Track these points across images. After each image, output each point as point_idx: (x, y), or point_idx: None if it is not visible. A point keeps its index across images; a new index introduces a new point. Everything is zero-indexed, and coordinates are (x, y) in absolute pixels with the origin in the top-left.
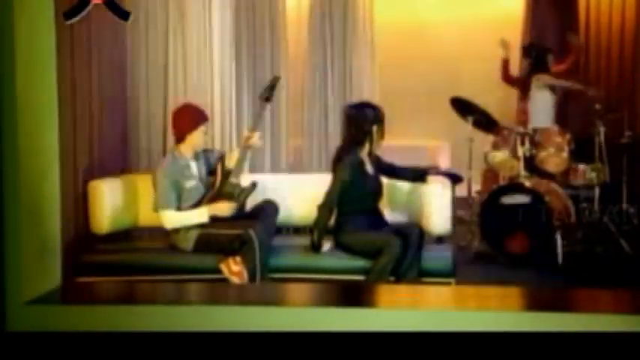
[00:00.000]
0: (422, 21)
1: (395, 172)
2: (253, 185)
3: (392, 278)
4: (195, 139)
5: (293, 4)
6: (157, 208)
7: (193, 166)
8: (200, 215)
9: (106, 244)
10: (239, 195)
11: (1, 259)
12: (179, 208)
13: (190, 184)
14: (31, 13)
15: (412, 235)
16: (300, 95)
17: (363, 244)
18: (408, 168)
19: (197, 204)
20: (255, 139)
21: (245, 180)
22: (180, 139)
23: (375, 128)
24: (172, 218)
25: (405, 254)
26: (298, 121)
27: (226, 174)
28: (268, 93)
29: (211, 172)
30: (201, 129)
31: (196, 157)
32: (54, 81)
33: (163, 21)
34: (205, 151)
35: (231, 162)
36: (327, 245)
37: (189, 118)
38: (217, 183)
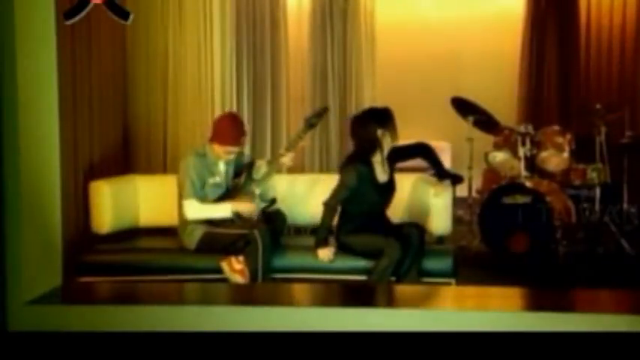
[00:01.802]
0: (422, 20)
1: (406, 153)
2: (272, 201)
3: (393, 278)
4: (219, 151)
5: (294, 3)
6: (182, 197)
7: (221, 165)
8: (223, 209)
9: (106, 244)
10: (257, 206)
11: (2, 258)
12: (200, 202)
13: (214, 180)
14: (32, 13)
15: (412, 237)
16: (301, 95)
17: (364, 245)
18: (408, 149)
19: (216, 202)
20: (288, 159)
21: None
22: (210, 140)
23: (380, 132)
24: (196, 208)
25: (405, 256)
26: (299, 120)
27: (250, 182)
28: (315, 120)
29: (237, 174)
30: (226, 149)
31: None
32: (55, 81)
33: (163, 21)
34: (239, 155)
35: (257, 172)
36: (329, 253)
37: (222, 134)
38: (239, 188)
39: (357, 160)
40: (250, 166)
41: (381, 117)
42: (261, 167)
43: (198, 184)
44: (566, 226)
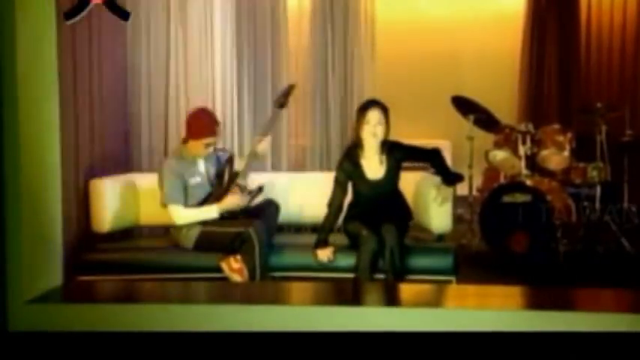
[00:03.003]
0: (423, 19)
1: (415, 155)
2: (260, 189)
3: (381, 276)
4: (197, 147)
5: (294, 1)
6: (165, 204)
7: (201, 164)
8: (210, 211)
9: (107, 242)
10: (247, 200)
11: (3, 257)
12: (184, 205)
13: (195, 181)
14: (32, 13)
15: (386, 237)
16: (302, 93)
17: (350, 231)
18: (423, 152)
19: (202, 202)
20: (265, 144)
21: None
22: (185, 140)
23: (357, 127)
24: (183, 214)
25: (381, 252)
26: (299, 119)
27: (234, 176)
28: (283, 100)
29: (220, 172)
30: (204, 141)
31: (206, 155)
32: (55, 80)
33: (164, 19)
34: (217, 150)
35: (239, 164)
36: (329, 253)
37: (196, 127)
38: (224, 184)
39: (344, 156)
40: (231, 160)
41: (362, 109)
42: (242, 158)
43: (178, 187)
44: (567, 225)
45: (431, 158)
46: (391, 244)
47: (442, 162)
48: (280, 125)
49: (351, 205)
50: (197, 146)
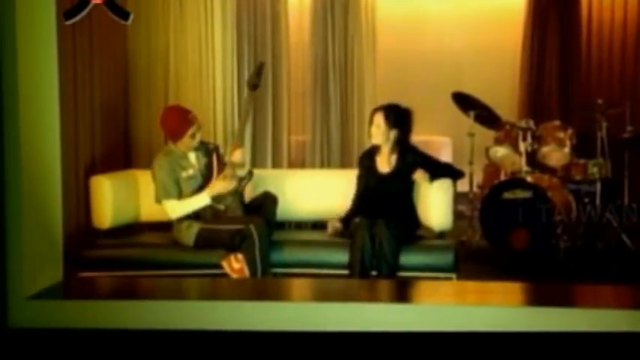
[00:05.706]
0: (423, 14)
1: (425, 164)
2: (250, 173)
3: (374, 273)
4: (185, 144)
5: None
6: (158, 200)
7: (192, 156)
8: (201, 199)
9: (107, 239)
10: (237, 184)
11: (3, 254)
12: (178, 199)
13: (187, 173)
14: (32, 13)
15: (376, 234)
16: (302, 89)
17: (350, 225)
18: (438, 164)
19: (193, 194)
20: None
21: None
22: (172, 141)
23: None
24: (176, 207)
25: (373, 248)
26: (299, 115)
27: (222, 166)
28: (256, 80)
29: (209, 163)
30: (188, 134)
31: (195, 147)
32: (56, 77)
33: (164, 16)
34: (204, 143)
35: (225, 153)
36: (335, 223)
37: (175, 127)
38: (214, 174)
39: (364, 153)
40: (216, 151)
41: (372, 113)
42: (230, 148)
43: (171, 182)
44: (567, 222)
45: (445, 174)
46: (380, 239)
47: (454, 179)
48: (281, 121)
49: (357, 202)
50: (184, 143)
